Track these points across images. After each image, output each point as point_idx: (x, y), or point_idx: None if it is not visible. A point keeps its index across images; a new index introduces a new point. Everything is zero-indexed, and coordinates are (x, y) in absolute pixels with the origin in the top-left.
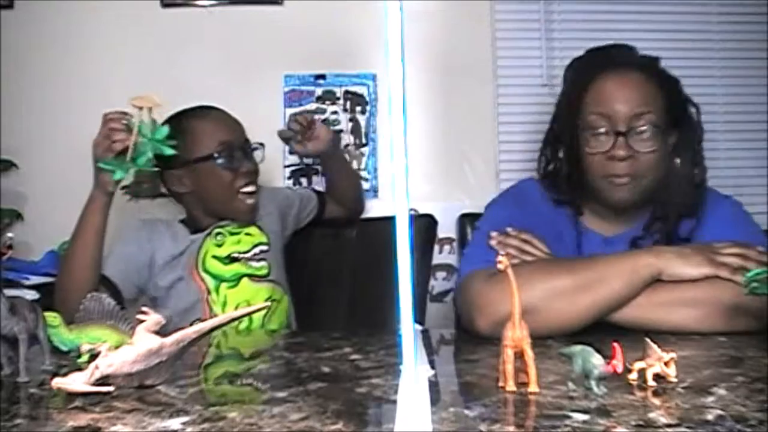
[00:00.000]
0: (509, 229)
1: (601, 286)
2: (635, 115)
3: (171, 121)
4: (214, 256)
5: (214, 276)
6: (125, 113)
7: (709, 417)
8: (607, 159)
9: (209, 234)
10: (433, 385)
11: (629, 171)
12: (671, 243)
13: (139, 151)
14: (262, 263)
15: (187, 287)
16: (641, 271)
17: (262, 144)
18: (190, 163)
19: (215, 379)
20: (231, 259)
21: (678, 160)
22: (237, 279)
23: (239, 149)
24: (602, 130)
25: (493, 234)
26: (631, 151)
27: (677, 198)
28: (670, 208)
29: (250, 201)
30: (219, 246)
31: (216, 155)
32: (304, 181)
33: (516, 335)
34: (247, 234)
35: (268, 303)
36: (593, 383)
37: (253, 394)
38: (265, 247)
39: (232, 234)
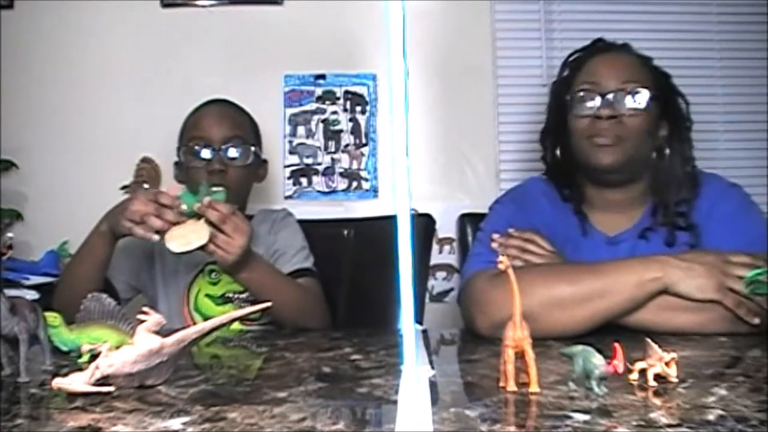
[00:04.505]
0: (511, 230)
1: (603, 298)
2: (623, 82)
3: None
4: (208, 295)
5: (205, 317)
6: (178, 197)
7: (710, 417)
8: (592, 121)
9: (201, 271)
10: (434, 386)
11: (614, 132)
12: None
13: None
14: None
15: (175, 322)
16: (647, 285)
17: (252, 144)
18: (178, 152)
19: (216, 379)
20: (225, 300)
21: (668, 151)
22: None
23: (210, 146)
24: (589, 95)
25: (495, 236)
26: (616, 112)
27: (673, 187)
28: (668, 197)
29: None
30: (214, 284)
31: (183, 147)
32: (304, 180)
33: (517, 335)
34: None
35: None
36: (594, 383)
37: (254, 394)
38: None
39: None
